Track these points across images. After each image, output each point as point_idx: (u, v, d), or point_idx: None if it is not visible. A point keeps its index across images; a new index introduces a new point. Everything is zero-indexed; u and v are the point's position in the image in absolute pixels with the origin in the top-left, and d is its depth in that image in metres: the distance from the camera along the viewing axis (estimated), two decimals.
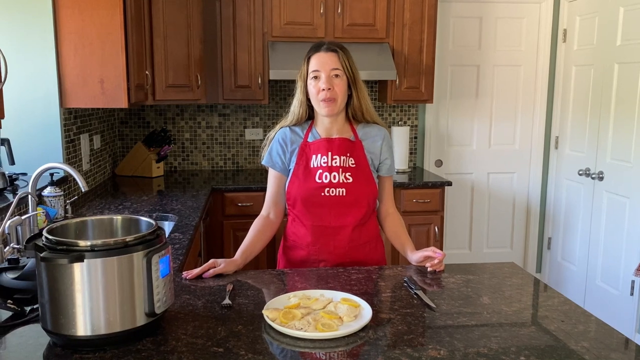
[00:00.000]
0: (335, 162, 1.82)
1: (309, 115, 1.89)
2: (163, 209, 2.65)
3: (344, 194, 1.81)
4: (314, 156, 1.84)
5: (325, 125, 1.86)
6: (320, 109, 1.81)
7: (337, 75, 1.78)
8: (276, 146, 1.88)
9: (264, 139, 1.97)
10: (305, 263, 1.87)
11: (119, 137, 3.86)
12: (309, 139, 1.87)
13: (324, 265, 1.84)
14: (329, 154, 1.82)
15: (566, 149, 4.00)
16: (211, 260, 1.64)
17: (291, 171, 1.86)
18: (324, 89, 1.76)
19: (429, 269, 1.69)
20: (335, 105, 1.78)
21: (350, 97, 1.84)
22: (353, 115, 1.88)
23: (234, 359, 1.12)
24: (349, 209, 1.82)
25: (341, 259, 1.84)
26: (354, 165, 1.83)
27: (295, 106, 1.87)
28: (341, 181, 1.81)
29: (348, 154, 1.83)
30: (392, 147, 1.94)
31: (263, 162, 1.91)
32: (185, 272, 1.60)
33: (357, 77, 1.83)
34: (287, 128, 1.89)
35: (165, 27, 3.17)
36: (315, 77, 1.78)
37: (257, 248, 1.83)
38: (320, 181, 1.81)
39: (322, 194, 1.81)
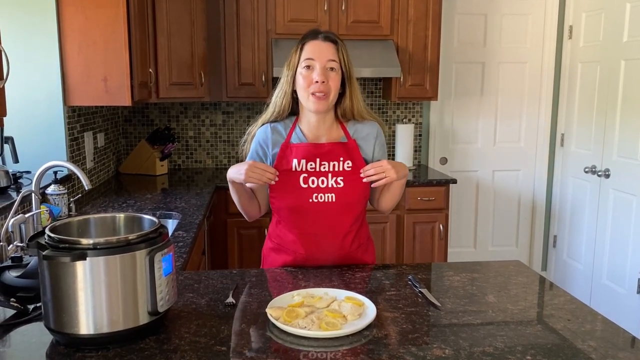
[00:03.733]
0: (324, 168, 1.66)
1: (293, 110, 1.71)
2: (167, 207, 2.65)
3: (333, 200, 1.66)
4: (295, 160, 1.66)
5: (312, 123, 1.68)
6: (308, 103, 1.63)
7: (332, 69, 1.61)
8: (256, 147, 1.73)
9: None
10: None
11: (123, 135, 3.86)
12: (292, 140, 1.69)
13: None
14: (317, 160, 1.66)
15: (572, 146, 3.97)
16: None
17: None
18: (317, 81, 1.59)
19: (364, 180, 1.62)
20: (326, 102, 1.62)
21: (341, 95, 1.67)
22: (342, 114, 1.71)
23: (237, 358, 1.11)
24: (339, 215, 1.68)
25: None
26: (350, 169, 1.67)
27: (278, 97, 1.68)
28: (330, 186, 1.66)
29: (341, 159, 1.67)
30: (384, 144, 1.78)
31: None
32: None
33: (353, 74, 1.67)
34: (269, 126, 1.71)
35: (168, 24, 3.17)
36: (308, 67, 1.60)
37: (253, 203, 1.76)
38: (306, 186, 1.66)
39: (310, 200, 1.65)
